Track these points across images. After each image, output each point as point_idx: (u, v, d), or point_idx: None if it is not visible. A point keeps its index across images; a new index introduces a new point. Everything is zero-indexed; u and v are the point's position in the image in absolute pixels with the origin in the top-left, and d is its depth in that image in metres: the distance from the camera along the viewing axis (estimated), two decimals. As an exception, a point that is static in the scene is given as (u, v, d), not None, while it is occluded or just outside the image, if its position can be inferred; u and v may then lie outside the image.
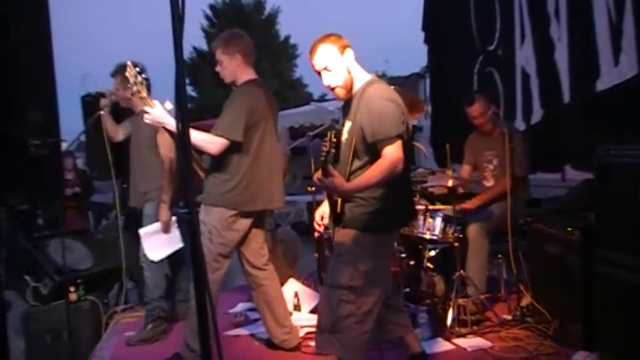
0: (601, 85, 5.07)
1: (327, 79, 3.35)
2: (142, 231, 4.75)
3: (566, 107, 5.68)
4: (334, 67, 3.31)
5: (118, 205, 5.52)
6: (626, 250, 3.40)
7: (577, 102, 5.51)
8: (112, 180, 5.41)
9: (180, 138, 1.97)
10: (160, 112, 3.83)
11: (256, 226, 4.32)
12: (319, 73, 3.36)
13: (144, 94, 3.84)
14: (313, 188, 5.37)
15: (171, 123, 3.82)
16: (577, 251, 3.93)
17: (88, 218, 8.40)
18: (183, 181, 2.24)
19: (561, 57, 5.72)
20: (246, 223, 4.19)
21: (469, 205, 5.08)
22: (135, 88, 3.82)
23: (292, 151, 6.86)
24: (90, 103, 5.72)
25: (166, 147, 4.63)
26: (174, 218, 4.68)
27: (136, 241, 4.93)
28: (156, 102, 3.86)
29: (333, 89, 3.39)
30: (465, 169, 5.41)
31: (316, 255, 5.67)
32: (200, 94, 30.31)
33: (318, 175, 3.15)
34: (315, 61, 3.34)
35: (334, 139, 3.10)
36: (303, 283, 5.64)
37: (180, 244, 4.74)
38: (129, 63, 3.84)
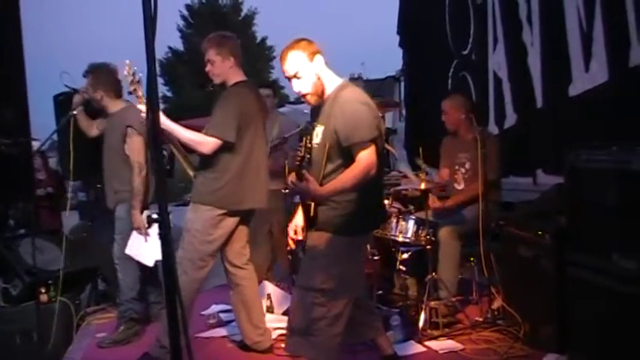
0: (573, 90, 5.13)
1: (297, 86, 3.35)
2: (127, 251, 4.69)
3: (539, 112, 5.73)
4: (304, 74, 3.31)
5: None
6: (595, 253, 3.44)
7: (550, 107, 5.57)
8: (89, 179, 5.33)
9: (152, 141, 1.96)
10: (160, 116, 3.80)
11: (241, 225, 4.32)
12: (290, 80, 3.36)
13: (140, 93, 3.86)
14: (287, 190, 5.36)
15: (164, 122, 3.81)
16: (549, 254, 3.96)
17: (60, 219, 8.27)
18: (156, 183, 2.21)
19: (534, 62, 5.78)
20: (233, 222, 4.19)
21: (439, 204, 5.09)
22: (131, 88, 3.83)
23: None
24: (63, 103, 5.65)
25: (135, 152, 4.62)
26: (146, 214, 4.62)
27: (110, 241, 4.88)
28: None
29: (303, 96, 3.38)
30: (444, 172, 5.41)
31: (289, 257, 5.65)
32: (176, 94, 30.17)
33: (292, 178, 3.17)
34: (285, 68, 3.35)
35: (309, 145, 3.11)
36: (276, 285, 5.63)
37: None
38: (127, 62, 3.84)
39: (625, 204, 3.22)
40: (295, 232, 3.54)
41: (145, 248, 4.63)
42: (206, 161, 4.09)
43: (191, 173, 4.23)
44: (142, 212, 4.60)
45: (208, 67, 4.19)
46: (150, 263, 4.66)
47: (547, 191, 4.75)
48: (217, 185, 4.06)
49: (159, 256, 4.55)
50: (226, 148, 4.02)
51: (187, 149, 4.18)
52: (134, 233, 4.64)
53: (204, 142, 3.97)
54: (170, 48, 30.92)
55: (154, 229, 4.65)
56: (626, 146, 3.32)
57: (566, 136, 5.05)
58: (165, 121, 3.85)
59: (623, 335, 3.21)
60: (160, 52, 30.64)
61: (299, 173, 3.09)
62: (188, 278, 4.05)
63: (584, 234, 3.58)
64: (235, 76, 4.21)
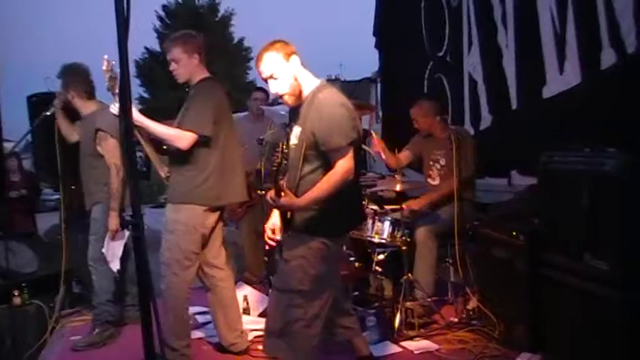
0: (547, 92, 5.18)
1: (274, 87, 3.35)
2: (104, 250, 4.65)
3: (514, 113, 5.78)
4: (280, 74, 3.31)
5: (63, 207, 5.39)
6: (568, 254, 3.48)
7: (524, 108, 5.62)
8: (60, 182, 5.27)
9: (125, 142, 1.95)
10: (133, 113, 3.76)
11: (219, 223, 4.30)
12: (266, 81, 3.36)
13: (117, 90, 3.67)
14: (262, 192, 5.36)
15: (140, 119, 3.81)
16: (523, 255, 3.99)
17: (34, 221, 8.18)
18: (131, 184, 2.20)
19: (509, 64, 5.83)
20: (214, 218, 4.17)
21: (415, 204, 5.10)
22: (109, 84, 3.72)
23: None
24: (36, 103, 5.59)
25: (110, 153, 4.58)
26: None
27: (84, 243, 4.84)
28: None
29: (281, 97, 3.39)
30: (404, 154, 5.40)
31: (266, 258, 5.64)
32: (152, 95, 29.93)
33: (271, 194, 3.18)
34: (261, 69, 3.34)
35: (286, 150, 3.11)
36: (252, 287, 5.62)
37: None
38: (105, 57, 3.73)
39: (597, 205, 3.26)
40: (273, 232, 3.55)
41: (113, 251, 4.61)
42: (181, 159, 4.04)
43: (162, 174, 4.18)
44: (120, 215, 4.58)
45: (173, 67, 4.13)
46: (115, 268, 4.64)
47: (521, 192, 4.79)
48: (197, 182, 4.02)
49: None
50: (203, 143, 3.97)
51: (159, 149, 4.16)
52: (107, 236, 4.61)
53: (182, 137, 3.90)
54: (146, 49, 30.65)
55: (125, 232, 4.66)
56: (599, 148, 3.37)
57: (541, 138, 5.10)
58: (139, 118, 3.81)
59: (595, 335, 3.25)
60: (137, 53, 30.45)
61: (277, 188, 3.10)
62: (179, 279, 4.05)
63: (557, 235, 3.63)
64: (201, 73, 4.18)
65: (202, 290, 4.45)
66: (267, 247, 5.35)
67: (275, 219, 3.53)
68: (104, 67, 3.72)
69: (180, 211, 4.05)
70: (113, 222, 4.57)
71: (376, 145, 5.09)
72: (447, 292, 5.17)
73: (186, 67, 4.13)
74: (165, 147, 4.10)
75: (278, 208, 3.33)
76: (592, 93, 4.57)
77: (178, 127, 3.98)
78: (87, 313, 5.39)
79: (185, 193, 4.04)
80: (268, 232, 3.58)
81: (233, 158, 4.19)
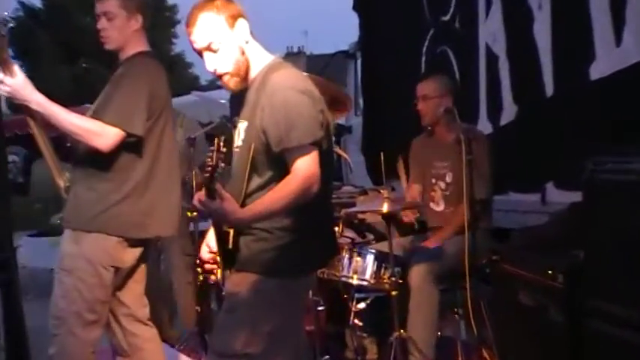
0: (596, 71, 5.20)
1: (212, 63, 3.31)
2: None
3: (549, 102, 5.80)
4: (221, 45, 3.27)
5: None
6: (624, 301, 3.49)
7: (564, 95, 5.64)
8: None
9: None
10: (21, 84, 3.67)
11: (142, 260, 4.24)
12: (201, 54, 3.33)
13: (4, 55, 3.63)
14: (195, 213, 5.33)
15: (38, 100, 3.72)
16: (561, 302, 4.01)
17: None
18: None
19: (542, 32, 5.84)
20: (133, 255, 4.09)
21: (431, 243, 5.12)
22: None
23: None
24: None
25: None
26: None
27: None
28: (17, 68, 3.68)
29: (220, 77, 3.35)
30: (415, 190, 5.43)
31: (198, 308, 5.61)
32: (33, 70, 29.56)
33: (200, 196, 3.10)
34: (194, 37, 3.30)
35: (223, 149, 3.08)
36: (179, 349, 5.58)
37: None
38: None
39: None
40: (211, 252, 3.54)
41: None
42: (92, 165, 3.95)
43: (61, 182, 4.04)
44: None
45: (103, 24, 4.05)
46: None
47: (558, 213, 4.82)
48: (112, 201, 3.92)
49: None
50: (127, 146, 3.90)
51: (63, 144, 4.08)
52: None
53: (104, 134, 3.78)
54: (22, 4, 30.35)
55: None
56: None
57: (587, 137, 5.13)
58: (38, 98, 3.73)
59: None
60: (7, 9, 30.09)
61: (210, 188, 3.05)
62: (78, 341, 3.94)
63: (610, 274, 3.64)
64: (138, 43, 4.14)
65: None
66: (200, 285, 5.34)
67: (211, 238, 3.52)
68: None
69: (83, 242, 3.94)
70: None
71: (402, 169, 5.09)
72: (455, 355, 5.18)
73: (122, 29, 4.07)
74: (69, 144, 4.01)
75: (211, 215, 3.25)
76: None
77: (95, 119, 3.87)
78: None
79: (91, 216, 3.93)
80: (204, 253, 3.55)
81: (169, 170, 4.15)
